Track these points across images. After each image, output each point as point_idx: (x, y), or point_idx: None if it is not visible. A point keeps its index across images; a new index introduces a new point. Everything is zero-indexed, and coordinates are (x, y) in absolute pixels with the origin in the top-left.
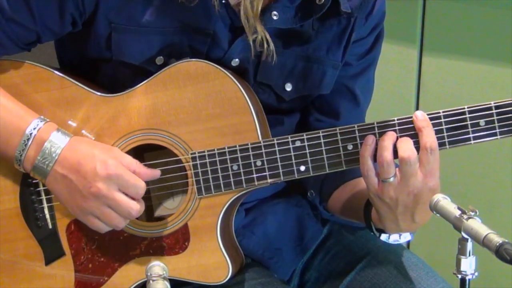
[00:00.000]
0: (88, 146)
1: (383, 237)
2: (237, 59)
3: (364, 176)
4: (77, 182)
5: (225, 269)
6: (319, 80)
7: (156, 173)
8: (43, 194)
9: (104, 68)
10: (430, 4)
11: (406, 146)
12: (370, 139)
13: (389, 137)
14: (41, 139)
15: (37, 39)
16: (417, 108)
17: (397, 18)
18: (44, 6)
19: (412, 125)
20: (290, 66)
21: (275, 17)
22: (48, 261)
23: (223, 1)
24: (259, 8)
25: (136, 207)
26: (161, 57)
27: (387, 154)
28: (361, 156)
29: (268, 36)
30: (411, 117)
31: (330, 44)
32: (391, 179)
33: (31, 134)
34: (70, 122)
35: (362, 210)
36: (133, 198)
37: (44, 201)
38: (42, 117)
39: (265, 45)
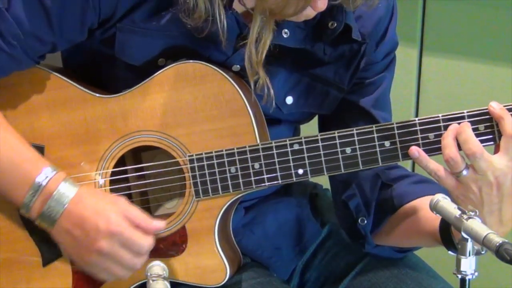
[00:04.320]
0: (94, 199)
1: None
2: (238, 66)
3: (437, 178)
4: (81, 238)
5: (222, 272)
6: (321, 99)
7: (160, 226)
8: None
9: (104, 68)
10: (430, 4)
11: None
12: (415, 152)
13: (449, 134)
14: (49, 190)
15: (52, 49)
16: (417, 108)
17: (397, 18)
18: (65, 18)
19: (411, 129)
20: (295, 80)
21: (285, 35)
22: (46, 262)
23: (230, 12)
24: (264, 55)
25: (140, 262)
26: (163, 58)
27: (449, 151)
28: (425, 167)
29: (269, 82)
30: (410, 121)
31: (338, 68)
32: (464, 172)
33: (40, 185)
34: (67, 124)
35: (437, 229)
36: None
37: None
38: (52, 166)
39: (266, 91)
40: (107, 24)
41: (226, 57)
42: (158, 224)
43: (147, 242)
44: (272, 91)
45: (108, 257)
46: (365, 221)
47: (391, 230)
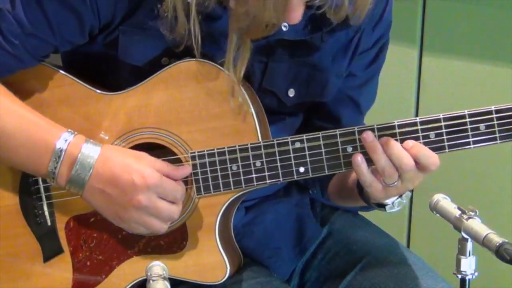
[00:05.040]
0: (120, 155)
1: (388, 208)
2: None
3: (367, 187)
4: (116, 196)
5: (222, 269)
6: (321, 87)
7: (187, 170)
8: (42, 191)
9: (107, 69)
10: (430, 4)
11: (402, 155)
12: (359, 158)
13: (378, 147)
14: (72, 154)
15: (55, 50)
16: (417, 108)
17: (397, 18)
18: (63, 21)
19: (412, 128)
20: (294, 72)
21: (284, 28)
22: (46, 258)
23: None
24: (242, 73)
25: (177, 211)
26: (166, 58)
27: (388, 166)
28: (360, 174)
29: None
30: (411, 120)
31: (336, 54)
32: (396, 183)
33: (61, 150)
34: (71, 120)
35: (356, 191)
36: (172, 202)
37: (44, 198)
38: (70, 130)
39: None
40: (108, 29)
41: None
42: (185, 169)
43: (180, 188)
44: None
45: (146, 210)
46: (315, 191)
47: (334, 194)
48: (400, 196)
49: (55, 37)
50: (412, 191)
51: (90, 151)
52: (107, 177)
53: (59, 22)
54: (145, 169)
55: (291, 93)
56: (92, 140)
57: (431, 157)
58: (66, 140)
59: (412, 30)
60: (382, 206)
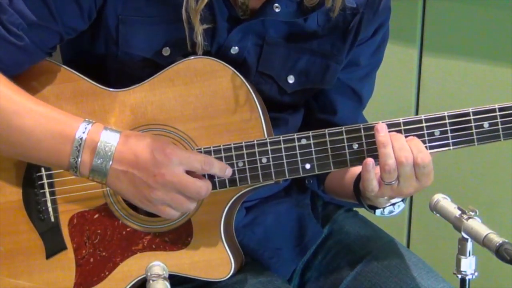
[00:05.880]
0: (140, 137)
1: (378, 212)
2: (236, 47)
3: (369, 191)
4: (140, 175)
5: (227, 266)
6: (321, 74)
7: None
8: (46, 186)
9: (110, 64)
10: (430, 4)
11: (404, 148)
12: (371, 164)
13: (389, 142)
14: (92, 141)
15: (60, 39)
16: (417, 108)
17: (397, 18)
18: (63, 4)
19: (417, 125)
20: (294, 59)
21: (277, 9)
22: (49, 255)
23: None
24: (203, 5)
25: (204, 185)
26: (167, 47)
27: (392, 162)
28: (366, 180)
29: (201, 33)
30: (416, 117)
31: (335, 39)
32: (393, 182)
33: (81, 138)
34: (76, 116)
35: (353, 189)
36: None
37: (47, 194)
38: (87, 119)
39: (201, 39)
40: (104, 10)
41: (223, 40)
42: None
43: (205, 160)
44: (204, 42)
45: (172, 186)
46: (311, 181)
47: (329, 188)
48: (393, 204)
49: (57, 23)
50: (404, 200)
51: (109, 137)
52: (129, 158)
53: (58, 7)
54: (167, 146)
55: (291, 79)
56: (110, 127)
57: (422, 152)
58: (85, 129)
59: (412, 30)
60: (373, 208)
